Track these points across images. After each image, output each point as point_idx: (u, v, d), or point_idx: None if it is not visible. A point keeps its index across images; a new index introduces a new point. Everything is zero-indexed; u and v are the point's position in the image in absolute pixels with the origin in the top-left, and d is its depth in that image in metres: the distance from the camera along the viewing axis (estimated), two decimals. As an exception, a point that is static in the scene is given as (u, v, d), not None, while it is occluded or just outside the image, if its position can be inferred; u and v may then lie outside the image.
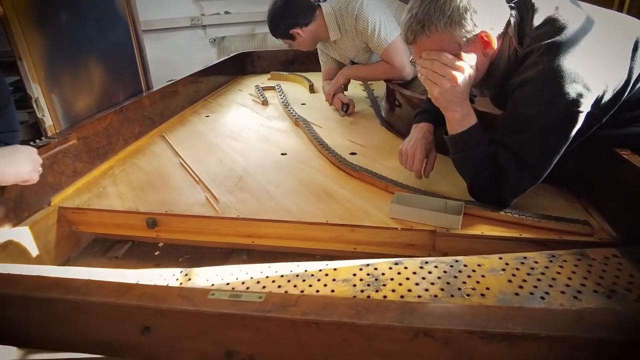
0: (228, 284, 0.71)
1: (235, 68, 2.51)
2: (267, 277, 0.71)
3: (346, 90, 1.81)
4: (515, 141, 0.84)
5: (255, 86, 2.13)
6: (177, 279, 0.73)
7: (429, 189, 1.01)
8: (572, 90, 0.76)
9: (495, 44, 0.82)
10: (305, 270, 0.71)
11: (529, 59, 0.82)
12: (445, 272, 0.69)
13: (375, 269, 0.70)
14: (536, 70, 0.79)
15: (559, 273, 0.67)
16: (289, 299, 0.49)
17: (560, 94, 0.76)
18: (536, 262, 0.70)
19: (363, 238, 0.90)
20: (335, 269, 0.71)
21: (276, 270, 0.72)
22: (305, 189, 1.07)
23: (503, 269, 0.68)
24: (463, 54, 0.81)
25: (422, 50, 0.83)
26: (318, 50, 1.85)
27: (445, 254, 0.86)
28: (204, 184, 1.12)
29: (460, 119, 0.86)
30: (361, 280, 0.68)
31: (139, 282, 0.69)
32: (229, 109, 1.89)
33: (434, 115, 1.09)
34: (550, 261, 0.70)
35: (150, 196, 1.08)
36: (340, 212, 0.94)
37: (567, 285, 0.64)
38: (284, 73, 2.36)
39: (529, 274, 0.67)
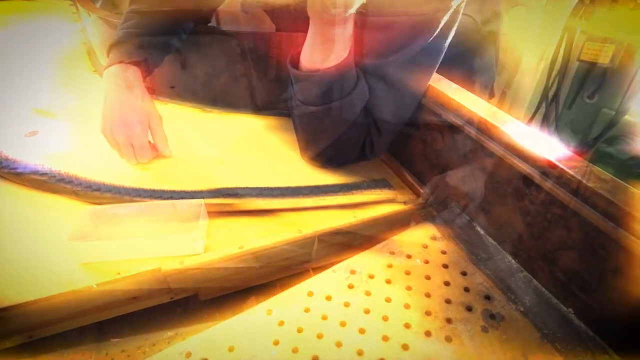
0: None
1: None
2: None
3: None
4: (397, 70, 0.47)
5: None
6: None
7: (160, 177, 0.60)
8: None
9: None
10: None
11: None
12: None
13: None
14: None
15: (367, 312, 0.37)
16: None
17: None
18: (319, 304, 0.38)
19: (37, 319, 0.45)
20: None
21: None
22: None
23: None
24: None
25: None
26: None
27: (196, 293, 0.50)
28: None
29: (351, 36, 0.44)
30: None
31: None
32: None
33: (144, 47, 0.64)
34: (350, 287, 0.40)
35: None
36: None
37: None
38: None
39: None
